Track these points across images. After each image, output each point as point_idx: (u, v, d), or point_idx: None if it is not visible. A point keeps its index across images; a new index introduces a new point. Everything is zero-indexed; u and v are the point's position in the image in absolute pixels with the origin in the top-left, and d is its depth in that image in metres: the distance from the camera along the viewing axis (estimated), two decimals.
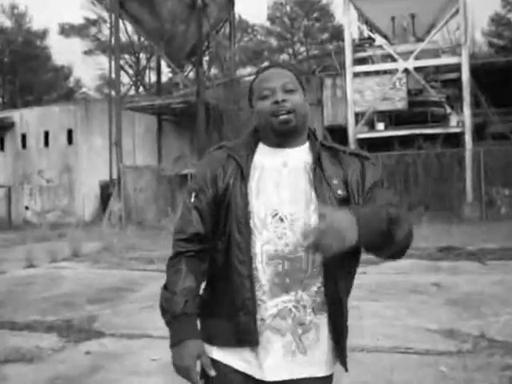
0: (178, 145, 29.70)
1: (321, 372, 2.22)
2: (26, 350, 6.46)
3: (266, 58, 52.07)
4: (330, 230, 1.93)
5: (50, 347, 6.60)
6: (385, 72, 24.84)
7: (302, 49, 52.15)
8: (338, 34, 46.49)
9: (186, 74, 31.65)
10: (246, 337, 2.18)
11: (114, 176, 27.84)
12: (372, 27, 27.53)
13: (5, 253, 16.64)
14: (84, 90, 62.57)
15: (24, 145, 34.23)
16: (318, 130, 26.66)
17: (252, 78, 2.34)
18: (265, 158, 2.28)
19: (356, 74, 24.82)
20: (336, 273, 2.18)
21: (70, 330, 7.34)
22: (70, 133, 32.70)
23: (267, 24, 52.90)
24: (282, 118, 2.19)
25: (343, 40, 25.98)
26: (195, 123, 25.53)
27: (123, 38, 33.86)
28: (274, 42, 53.33)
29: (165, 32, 27.55)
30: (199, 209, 2.28)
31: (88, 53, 54.95)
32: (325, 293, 2.18)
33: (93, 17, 53.79)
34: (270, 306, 2.17)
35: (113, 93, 28.85)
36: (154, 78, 46.31)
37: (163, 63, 32.83)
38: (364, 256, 7.93)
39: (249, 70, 44.90)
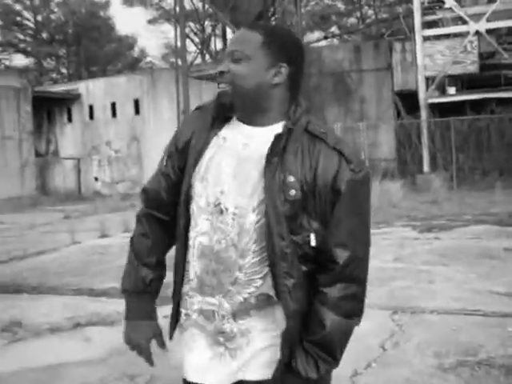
0: None
1: (257, 375, 1.99)
2: (105, 314, 6.89)
3: (333, 23, 51.71)
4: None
5: None
6: (455, 35, 24.59)
7: (370, 12, 51.51)
8: None
9: None
10: (170, 329, 2.18)
11: None
12: None
13: (78, 223, 17.24)
14: (149, 59, 63.34)
15: (91, 116, 35.02)
16: (387, 95, 26.58)
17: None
18: (229, 132, 2.04)
19: (426, 38, 24.65)
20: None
21: None
22: (136, 103, 33.28)
23: None
24: (218, 90, 2.00)
25: (412, 2, 25.78)
26: None
27: (187, 5, 34.16)
28: (341, 5, 52.84)
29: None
30: (165, 175, 2.16)
31: (152, 22, 55.53)
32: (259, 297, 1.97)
33: None
34: (196, 302, 2.04)
35: (179, 62, 29.23)
36: (219, 46, 46.74)
37: (229, 30, 33.01)
38: (436, 221, 8.41)
39: (316, 35, 44.75)
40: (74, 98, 35.21)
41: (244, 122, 2.02)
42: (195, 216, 2.01)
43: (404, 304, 6.66)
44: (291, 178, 1.87)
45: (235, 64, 1.94)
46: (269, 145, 1.90)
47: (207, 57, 44.07)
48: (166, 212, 2.15)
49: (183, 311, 2.09)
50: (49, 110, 36.22)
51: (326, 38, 36.76)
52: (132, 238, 2.22)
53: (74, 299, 7.93)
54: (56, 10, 60.64)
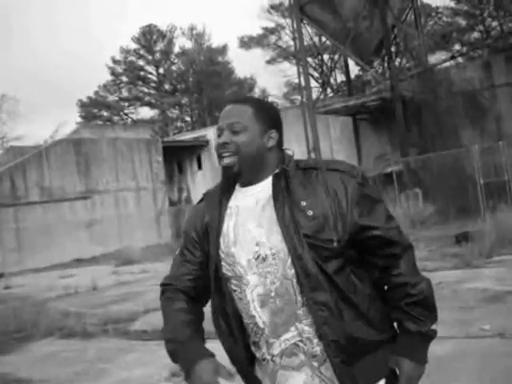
0: (376, 143, 29.72)
1: None
2: None
3: (455, 40, 50.79)
4: None
5: None
6: None
7: (494, 23, 50.24)
8: None
9: (375, 69, 31.75)
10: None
11: None
12: None
13: None
14: (270, 98, 64.39)
15: None
16: None
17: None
18: (238, 200, 2.32)
19: None
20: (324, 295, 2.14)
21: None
22: None
23: (452, 4, 51.53)
24: (224, 162, 2.25)
25: None
26: (392, 119, 25.57)
27: (305, 41, 34.60)
28: (461, 21, 51.84)
29: (349, 31, 27.86)
30: (187, 263, 2.41)
31: (271, 61, 56.55)
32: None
33: (270, 25, 55.37)
34: (275, 346, 2.21)
35: (304, 99, 29.48)
36: (339, 79, 46.93)
37: (351, 62, 33.09)
38: None
39: (438, 55, 44.10)
40: (203, 144, 36.25)
41: (245, 185, 2.33)
42: (243, 274, 2.24)
43: None
44: (303, 203, 2.18)
45: (235, 135, 2.25)
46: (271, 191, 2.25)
47: (328, 90, 44.33)
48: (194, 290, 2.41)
49: (268, 357, 2.25)
50: (178, 158, 37.46)
51: (452, 57, 36.05)
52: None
53: None
54: (176, 60, 63.14)
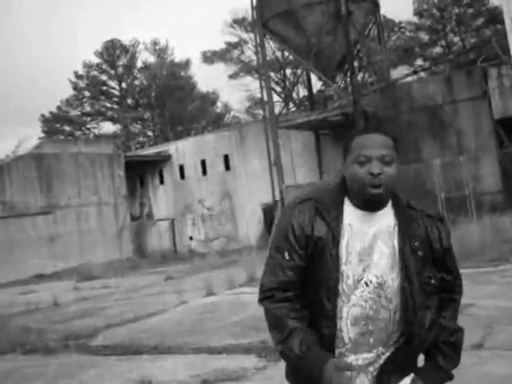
0: (338, 158, 29.67)
1: None
2: (230, 370, 7.11)
3: (418, 55, 51.41)
4: None
5: (253, 367, 7.21)
6: None
7: (456, 39, 50.98)
8: (494, 16, 45.12)
9: (338, 84, 31.98)
10: None
11: (277, 197, 28.48)
12: None
13: (181, 283, 17.46)
14: (232, 113, 64.57)
15: (182, 175, 35.89)
16: (486, 125, 26.05)
17: (355, 137, 2.41)
18: (353, 220, 2.44)
19: None
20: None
21: (267, 350, 7.69)
22: (226, 158, 33.92)
23: (415, 19, 52.22)
24: (374, 191, 2.35)
25: (502, 23, 25.17)
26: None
27: (267, 55, 34.80)
28: (424, 36, 52.49)
29: (312, 46, 28.07)
30: (293, 269, 2.45)
31: (233, 76, 56.73)
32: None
33: (234, 40, 55.63)
34: (349, 359, 2.43)
35: (267, 114, 29.57)
36: (302, 93, 47.21)
37: (313, 77, 33.31)
38: None
39: (400, 70, 44.61)
40: (165, 159, 36.17)
41: (363, 209, 2.46)
42: (346, 292, 2.42)
43: None
44: (416, 243, 2.43)
45: (387, 166, 2.38)
46: (388, 223, 2.46)
47: (291, 105, 44.55)
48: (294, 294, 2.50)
49: None
50: (141, 173, 37.33)
51: (415, 72, 36.51)
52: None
53: (196, 357, 8.15)
54: (139, 75, 63.04)
